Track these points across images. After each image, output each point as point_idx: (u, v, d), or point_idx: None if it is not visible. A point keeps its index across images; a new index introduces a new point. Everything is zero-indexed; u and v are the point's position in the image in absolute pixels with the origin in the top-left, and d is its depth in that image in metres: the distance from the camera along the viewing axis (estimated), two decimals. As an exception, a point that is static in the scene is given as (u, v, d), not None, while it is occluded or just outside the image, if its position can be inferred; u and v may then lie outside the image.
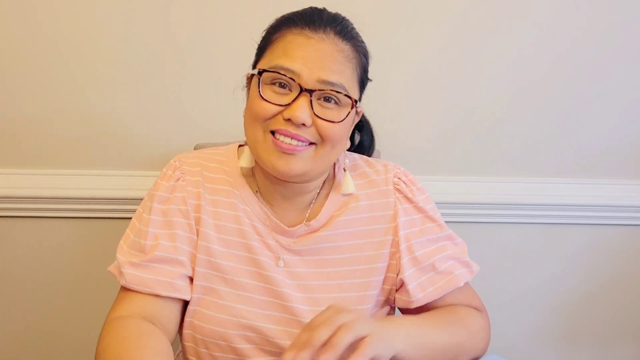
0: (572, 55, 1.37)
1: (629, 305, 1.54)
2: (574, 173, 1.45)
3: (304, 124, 0.79)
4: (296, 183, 0.88)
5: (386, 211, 0.92)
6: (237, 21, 1.32)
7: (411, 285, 0.91)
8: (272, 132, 0.81)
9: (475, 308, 0.97)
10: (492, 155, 1.43)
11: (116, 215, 1.40)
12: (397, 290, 0.94)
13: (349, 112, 0.82)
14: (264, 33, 0.88)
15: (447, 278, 0.91)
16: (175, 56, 1.34)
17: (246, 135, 0.86)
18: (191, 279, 0.90)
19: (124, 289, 0.89)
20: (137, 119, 1.37)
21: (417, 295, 0.91)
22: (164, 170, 0.94)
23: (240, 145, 0.98)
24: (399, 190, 0.93)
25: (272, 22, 0.88)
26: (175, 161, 0.94)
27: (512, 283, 1.51)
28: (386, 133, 1.37)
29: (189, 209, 0.89)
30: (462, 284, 0.93)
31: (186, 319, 0.91)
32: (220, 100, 1.35)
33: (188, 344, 0.94)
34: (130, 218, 1.38)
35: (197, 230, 0.90)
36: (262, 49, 0.87)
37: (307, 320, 0.84)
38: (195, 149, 1.27)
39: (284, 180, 0.87)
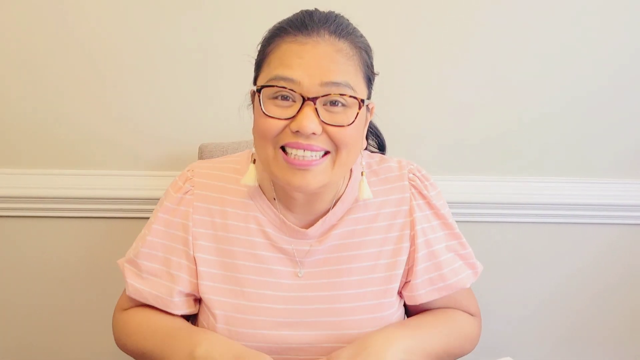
0: (575, 56, 1.38)
1: (630, 304, 1.53)
2: (575, 172, 1.45)
3: (314, 133, 0.76)
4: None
5: (402, 206, 0.92)
6: (242, 22, 1.32)
7: (419, 280, 0.91)
8: (283, 148, 0.80)
9: (472, 313, 0.99)
10: (494, 155, 1.43)
11: (121, 215, 1.40)
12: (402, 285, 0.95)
13: (358, 113, 0.79)
14: (259, 46, 0.85)
15: (455, 278, 0.93)
16: (180, 56, 1.33)
17: (257, 153, 0.84)
18: (191, 295, 0.92)
19: None
20: (143, 119, 1.36)
21: (422, 290, 0.92)
22: (176, 179, 0.94)
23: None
24: (414, 186, 0.93)
25: (265, 34, 0.85)
26: (187, 171, 0.94)
27: (517, 282, 1.51)
28: (390, 132, 1.39)
29: (190, 224, 0.90)
30: (467, 286, 0.95)
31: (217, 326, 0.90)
32: (225, 100, 1.35)
33: None
34: (132, 218, 1.40)
35: (200, 246, 0.90)
36: (259, 64, 0.84)
37: (329, 323, 0.88)
38: (199, 149, 1.27)
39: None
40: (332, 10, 0.85)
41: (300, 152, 0.78)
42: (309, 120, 0.75)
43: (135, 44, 1.32)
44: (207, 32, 1.32)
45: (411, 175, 0.94)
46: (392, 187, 0.93)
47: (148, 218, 1.36)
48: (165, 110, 1.36)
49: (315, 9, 0.84)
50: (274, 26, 0.84)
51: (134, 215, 1.39)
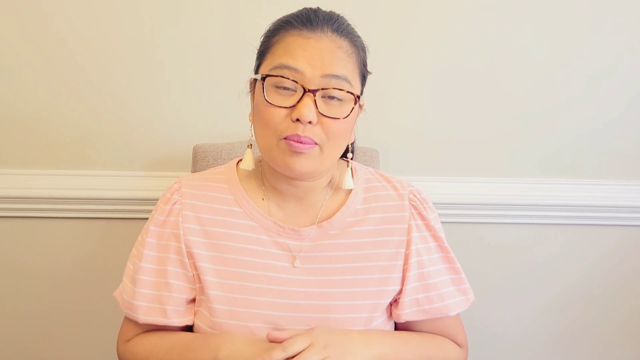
0: (572, 56, 1.37)
1: (628, 306, 1.53)
2: (573, 173, 1.45)
3: (310, 122, 0.82)
4: (307, 181, 0.91)
5: (401, 224, 0.95)
6: (236, 23, 1.32)
7: (407, 299, 0.93)
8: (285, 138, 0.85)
9: (459, 343, 1.00)
10: (492, 156, 1.43)
11: (116, 215, 1.40)
12: (392, 302, 0.97)
13: (353, 108, 0.85)
14: (263, 38, 0.90)
15: (442, 303, 0.94)
16: (175, 57, 1.34)
17: (257, 140, 0.88)
18: (189, 303, 0.94)
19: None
20: (137, 120, 1.37)
21: (408, 309, 0.94)
22: (165, 192, 0.97)
23: (239, 161, 1.01)
24: (414, 207, 0.96)
25: (269, 26, 0.90)
26: (175, 183, 0.97)
27: (517, 284, 1.50)
28: (384, 133, 1.39)
29: (181, 233, 0.92)
30: (453, 314, 0.96)
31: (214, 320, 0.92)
32: (219, 100, 1.35)
33: None
34: (130, 218, 1.41)
35: (194, 254, 0.92)
36: (262, 53, 0.89)
37: (320, 320, 0.90)
38: (193, 149, 1.27)
39: (294, 179, 0.90)
40: (333, 10, 0.90)
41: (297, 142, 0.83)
42: (307, 109, 0.81)
43: (130, 46, 1.33)
44: (202, 33, 1.32)
45: (412, 196, 0.97)
46: (393, 204, 0.96)
47: (143, 219, 1.38)
48: (160, 111, 1.36)
49: (318, 7, 0.89)
50: (280, 19, 0.88)
51: (128, 216, 1.40)
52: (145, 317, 0.91)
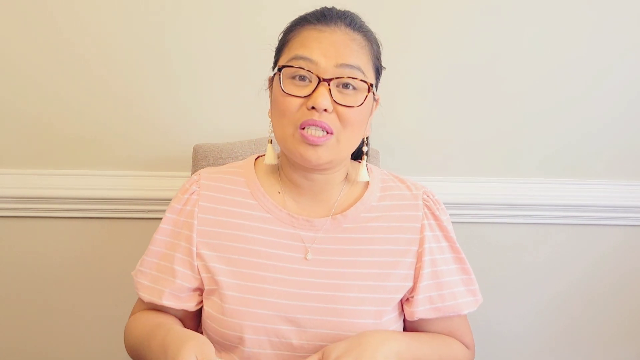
0: (572, 56, 1.38)
1: (628, 306, 1.53)
2: (573, 173, 1.45)
3: (325, 110, 0.85)
4: (323, 173, 0.94)
5: (414, 223, 0.97)
6: (237, 23, 1.32)
7: (421, 296, 0.94)
8: (301, 128, 0.88)
9: (466, 344, 1.01)
10: (492, 156, 1.43)
11: (116, 215, 1.40)
12: (405, 300, 0.98)
13: (366, 96, 0.88)
14: (280, 36, 0.94)
15: (454, 302, 0.96)
16: (175, 57, 1.34)
17: (275, 132, 0.91)
18: (197, 290, 0.96)
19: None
20: (137, 120, 1.37)
21: (422, 307, 0.95)
22: (184, 182, 1.00)
23: (258, 157, 1.03)
24: (427, 207, 0.98)
25: (286, 25, 0.94)
26: (194, 175, 1.01)
27: (518, 284, 1.51)
28: (385, 133, 1.38)
29: (194, 223, 0.95)
30: (464, 313, 0.97)
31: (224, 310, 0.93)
32: (220, 100, 1.36)
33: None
34: (130, 218, 1.41)
35: (205, 244, 0.94)
36: (280, 49, 0.93)
37: (330, 310, 0.91)
38: (194, 149, 1.27)
39: (311, 171, 0.93)
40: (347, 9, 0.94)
41: (312, 130, 0.86)
42: (322, 98, 0.84)
43: (131, 46, 1.33)
44: (203, 33, 1.33)
45: (425, 196, 1.00)
46: (407, 203, 0.98)
47: (143, 218, 1.40)
48: (160, 111, 1.37)
49: (333, 6, 0.93)
50: (296, 18, 0.93)
51: (128, 216, 1.39)
52: (144, 294, 0.95)
